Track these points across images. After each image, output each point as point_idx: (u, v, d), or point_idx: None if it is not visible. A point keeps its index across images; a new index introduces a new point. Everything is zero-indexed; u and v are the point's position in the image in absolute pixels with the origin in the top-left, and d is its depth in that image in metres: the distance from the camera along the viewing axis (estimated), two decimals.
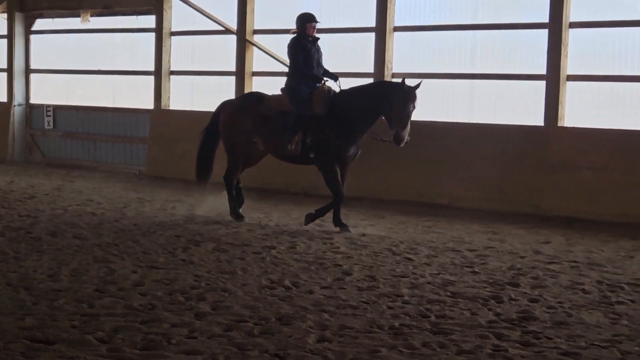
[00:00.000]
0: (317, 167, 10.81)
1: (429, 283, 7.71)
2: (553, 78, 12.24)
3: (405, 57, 13.72)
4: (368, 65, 13.86)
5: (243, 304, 6.73)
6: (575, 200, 11.84)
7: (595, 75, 12.21)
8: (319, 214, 10.66)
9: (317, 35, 10.94)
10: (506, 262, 8.79)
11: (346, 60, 14.07)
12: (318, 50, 10.90)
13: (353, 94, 10.60)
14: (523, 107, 12.82)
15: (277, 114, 10.80)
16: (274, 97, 11.09)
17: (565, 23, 12.17)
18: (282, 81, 11.30)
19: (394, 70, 13.66)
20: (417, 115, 10.55)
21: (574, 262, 8.97)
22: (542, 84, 12.37)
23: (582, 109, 12.32)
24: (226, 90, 15.16)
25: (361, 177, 13.05)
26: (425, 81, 10.52)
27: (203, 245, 9.33)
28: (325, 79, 10.80)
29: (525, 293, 7.40)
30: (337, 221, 10.56)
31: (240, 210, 11.27)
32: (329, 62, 11.23)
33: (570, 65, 12.30)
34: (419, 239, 10.18)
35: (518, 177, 12.30)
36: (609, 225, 11.27)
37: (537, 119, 12.44)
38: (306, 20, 10.88)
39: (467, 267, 8.54)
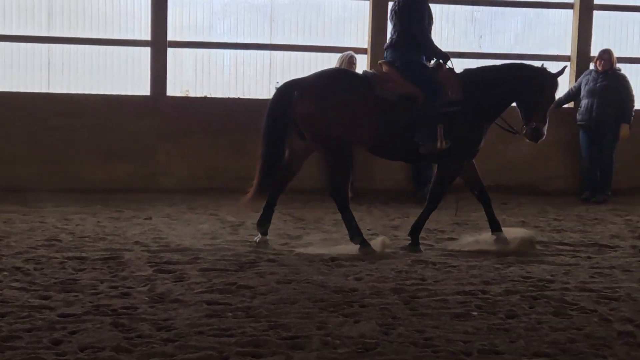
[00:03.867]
0: (435, 164, 8.26)
1: None
2: None
3: None
4: None
5: None
6: None
7: None
8: (419, 224, 8.01)
9: None
10: None
11: None
12: (431, 15, 8.03)
13: (486, 77, 8.06)
14: None
15: (401, 101, 7.73)
16: (385, 76, 7.85)
17: None
18: None
19: None
20: None
21: None
22: None
23: None
24: None
25: None
26: None
27: None
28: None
29: None
30: (414, 233, 7.93)
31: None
32: None
33: None
34: None
35: None
36: None
37: None
38: None
39: None
